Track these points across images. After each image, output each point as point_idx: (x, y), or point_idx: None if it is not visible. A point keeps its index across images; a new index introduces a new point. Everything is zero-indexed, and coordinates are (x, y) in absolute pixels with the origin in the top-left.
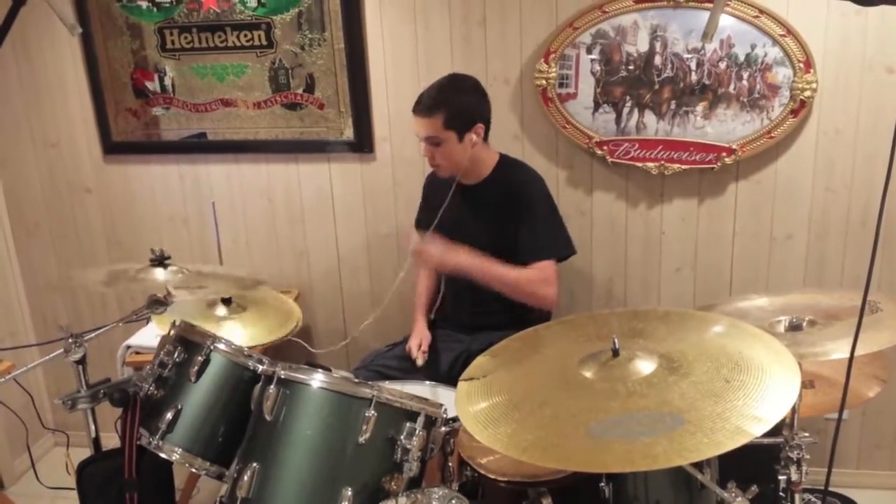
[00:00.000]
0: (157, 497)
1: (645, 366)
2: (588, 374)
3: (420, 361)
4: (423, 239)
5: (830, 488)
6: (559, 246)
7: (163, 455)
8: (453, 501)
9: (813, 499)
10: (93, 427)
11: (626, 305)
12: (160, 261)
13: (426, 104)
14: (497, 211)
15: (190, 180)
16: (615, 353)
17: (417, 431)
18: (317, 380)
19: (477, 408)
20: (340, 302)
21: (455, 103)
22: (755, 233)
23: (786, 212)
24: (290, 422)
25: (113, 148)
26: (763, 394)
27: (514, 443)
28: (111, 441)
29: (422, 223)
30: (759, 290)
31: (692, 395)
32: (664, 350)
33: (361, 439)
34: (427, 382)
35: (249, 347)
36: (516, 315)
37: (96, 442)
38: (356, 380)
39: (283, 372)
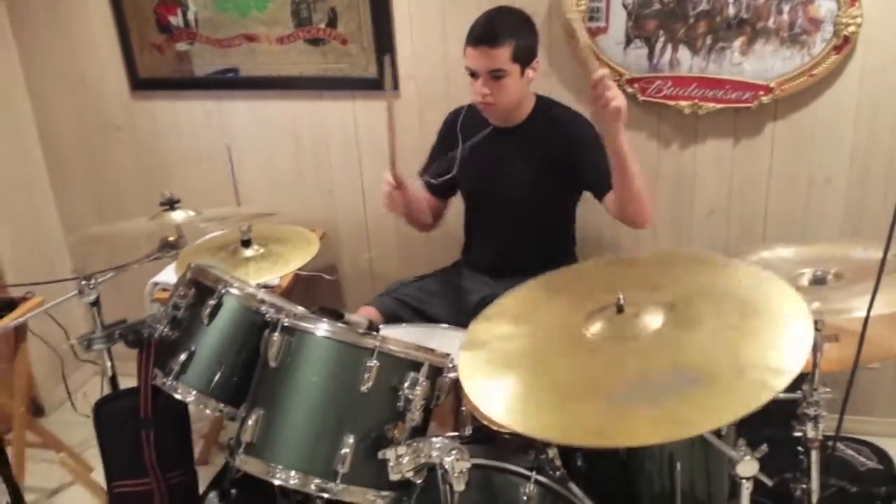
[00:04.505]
0: (172, 435)
1: (652, 320)
2: (595, 334)
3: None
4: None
5: (863, 437)
6: None
7: (177, 395)
8: (453, 452)
9: (841, 446)
10: (109, 366)
11: (656, 247)
12: (170, 204)
13: (494, 33)
14: (546, 151)
15: (216, 118)
16: (620, 309)
17: (420, 381)
18: (320, 328)
19: (486, 385)
20: (366, 241)
21: (522, 35)
22: (792, 176)
23: (825, 155)
24: (293, 369)
25: (140, 84)
26: (777, 339)
27: (534, 422)
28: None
29: (437, 168)
30: (795, 236)
31: (706, 346)
32: (668, 299)
33: (364, 388)
34: (445, 325)
35: (280, 278)
36: (542, 259)
37: (113, 380)
38: (360, 329)
39: (286, 320)
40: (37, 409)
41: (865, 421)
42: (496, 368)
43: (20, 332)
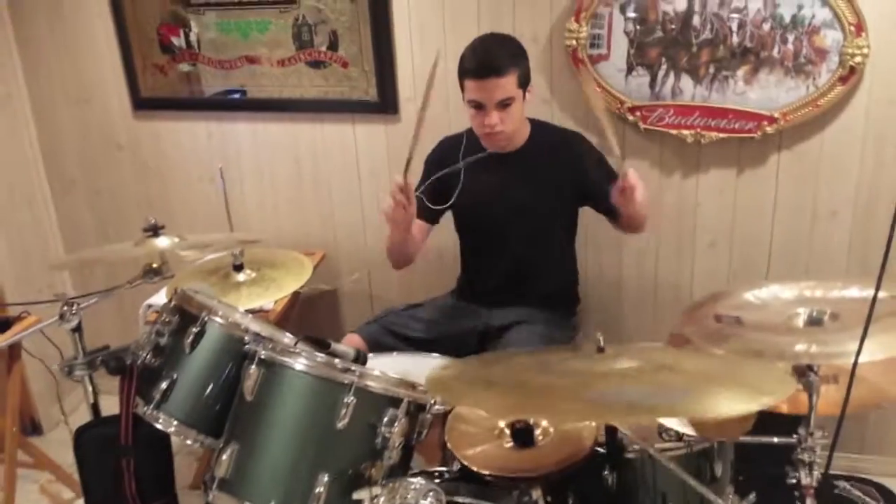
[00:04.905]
0: (153, 463)
1: (631, 362)
2: (574, 364)
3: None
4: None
5: (867, 476)
6: None
7: (158, 425)
8: (430, 494)
9: (847, 486)
10: (91, 393)
11: (657, 279)
12: (154, 230)
13: (501, 64)
14: (548, 174)
15: (217, 139)
16: (600, 349)
17: (399, 418)
18: (297, 362)
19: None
20: (365, 264)
21: (522, 60)
22: (797, 208)
23: (831, 187)
24: (269, 403)
25: (142, 104)
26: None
27: (505, 404)
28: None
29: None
30: (799, 269)
31: (688, 378)
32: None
33: (340, 425)
34: (434, 355)
35: (274, 302)
36: (545, 286)
37: (95, 408)
38: (348, 358)
39: (263, 352)
40: (35, 427)
41: (874, 460)
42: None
43: (14, 351)
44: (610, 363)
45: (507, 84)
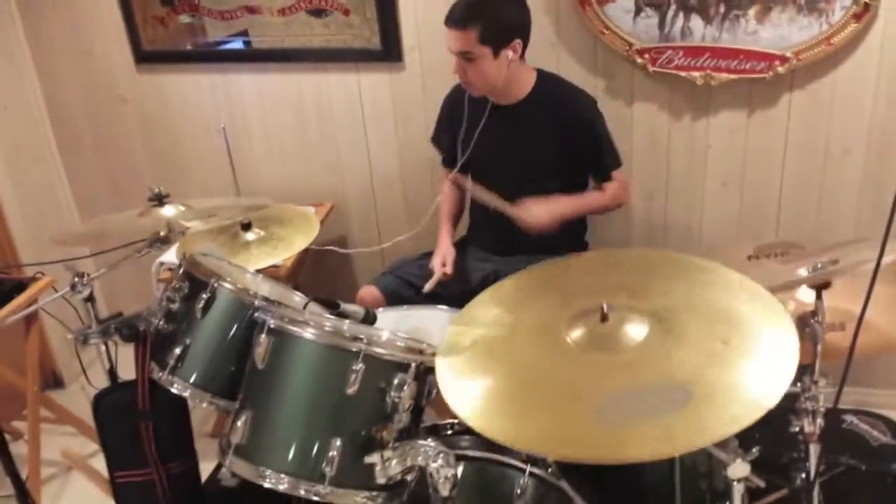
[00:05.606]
0: (172, 426)
1: (637, 330)
2: (578, 341)
3: (437, 281)
4: (524, 208)
5: (873, 409)
6: (619, 154)
7: (173, 390)
8: (440, 457)
9: (855, 420)
10: (106, 358)
11: (666, 221)
12: (159, 199)
13: (460, 16)
14: (544, 130)
15: (221, 91)
16: (604, 318)
17: (408, 382)
18: (306, 331)
19: (468, 395)
20: (374, 213)
21: (492, 16)
22: (809, 147)
23: (843, 126)
24: (280, 371)
25: (144, 57)
26: (763, 352)
27: (521, 436)
28: None
29: (442, 142)
30: (811, 210)
31: (693, 361)
32: (652, 307)
33: (350, 391)
34: (445, 307)
35: (283, 260)
36: (544, 241)
37: (112, 373)
38: (347, 331)
39: (272, 321)
40: (56, 381)
41: (882, 394)
42: (475, 373)
43: (31, 314)
44: (615, 337)
45: (465, 39)
